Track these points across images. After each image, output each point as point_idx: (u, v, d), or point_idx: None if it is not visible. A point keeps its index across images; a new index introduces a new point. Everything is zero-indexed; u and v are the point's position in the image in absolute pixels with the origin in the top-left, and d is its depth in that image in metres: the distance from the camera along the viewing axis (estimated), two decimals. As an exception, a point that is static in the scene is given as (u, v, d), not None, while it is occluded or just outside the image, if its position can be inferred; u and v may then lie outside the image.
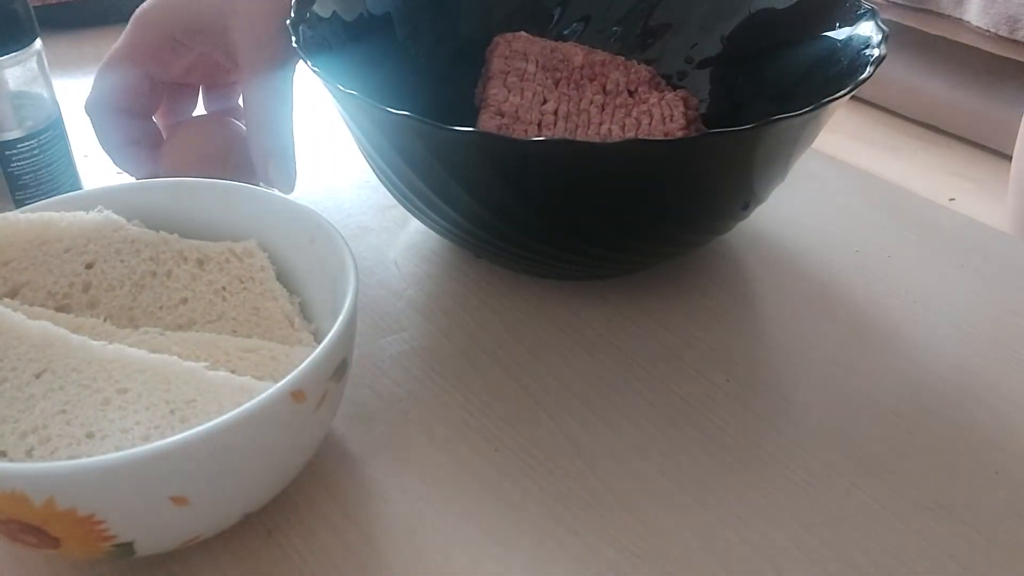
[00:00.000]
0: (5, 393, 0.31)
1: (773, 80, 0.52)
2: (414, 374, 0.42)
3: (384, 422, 0.39)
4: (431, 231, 0.48)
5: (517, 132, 0.48)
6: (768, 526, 0.35)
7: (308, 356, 0.30)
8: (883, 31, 0.45)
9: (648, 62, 0.56)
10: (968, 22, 1.24)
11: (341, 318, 0.32)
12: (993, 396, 0.41)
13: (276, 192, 0.41)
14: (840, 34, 0.48)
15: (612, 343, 0.44)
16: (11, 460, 0.30)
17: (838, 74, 0.46)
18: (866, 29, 0.46)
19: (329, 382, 0.31)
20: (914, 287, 0.48)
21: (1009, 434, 0.39)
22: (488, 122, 0.48)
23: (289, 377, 0.29)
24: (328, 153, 0.61)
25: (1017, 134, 0.75)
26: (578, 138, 0.48)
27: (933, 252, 0.52)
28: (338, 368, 0.32)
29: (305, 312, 0.38)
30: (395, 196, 0.46)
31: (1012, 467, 0.38)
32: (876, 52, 0.43)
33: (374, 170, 0.45)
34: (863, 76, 0.41)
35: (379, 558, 0.33)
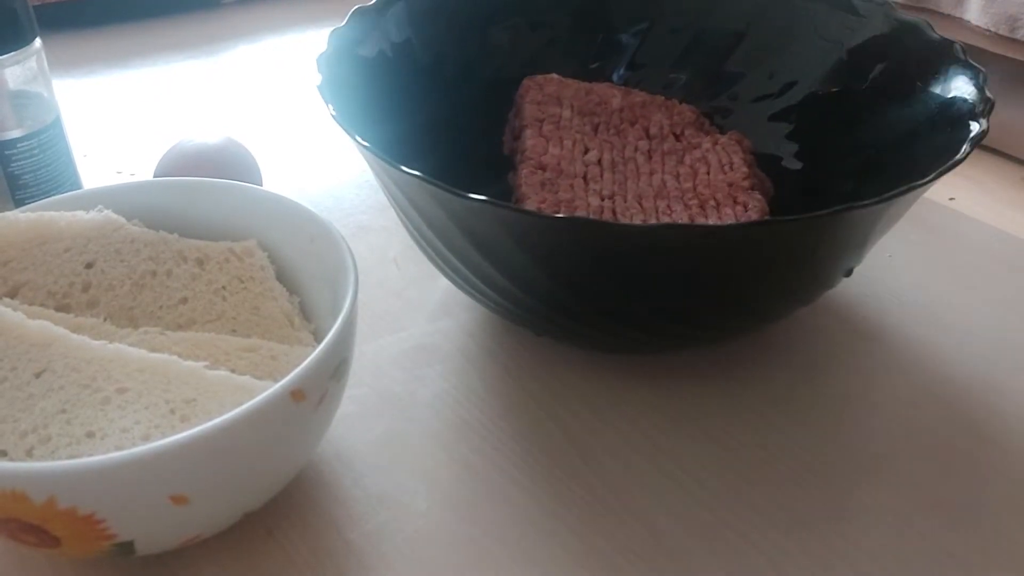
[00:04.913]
0: (5, 393, 0.31)
1: (855, 142, 0.46)
2: (414, 374, 0.42)
3: (384, 422, 0.39)
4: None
5: (562, 187, 0.44)
6: (768, 526, 0.35)
7: (308, 355, 0.30)
8: (988, 100, 0.39)
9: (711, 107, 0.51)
10: (968, 21, 1.24)
11: (341, 317, 0.32)
12: (993, 395, 0.41)
13: (276, 192, 0.41)
14: (936, 99, 0.42)
15: (612, 342, 0.44)
16: (11, 459, 0.30)
17: (930, 149, 0.40)
18: (966, 91, 0.40)
19: (329, 381, 0.31)
20: (914, 286, 0.48)
21: (1009, 434, 0.39)
22: (530, 178, 0.44)
23: (289, 376, 0.29)
24: (328, 153, 0.61)
25: (1017, 134, 0.75)
26: (629, 190, 0.44)
27: (933, 251, 0.52)
28: (338, 367, 0.32)
29: (305, 311, 0.38)
30: (410, 234, 0.42)
31: (1012, 467, 0.38)
32: (976, 128, 0.37)
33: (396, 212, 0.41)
34: (957, 157, 0.35)
35: (379, 557, 0.33)
